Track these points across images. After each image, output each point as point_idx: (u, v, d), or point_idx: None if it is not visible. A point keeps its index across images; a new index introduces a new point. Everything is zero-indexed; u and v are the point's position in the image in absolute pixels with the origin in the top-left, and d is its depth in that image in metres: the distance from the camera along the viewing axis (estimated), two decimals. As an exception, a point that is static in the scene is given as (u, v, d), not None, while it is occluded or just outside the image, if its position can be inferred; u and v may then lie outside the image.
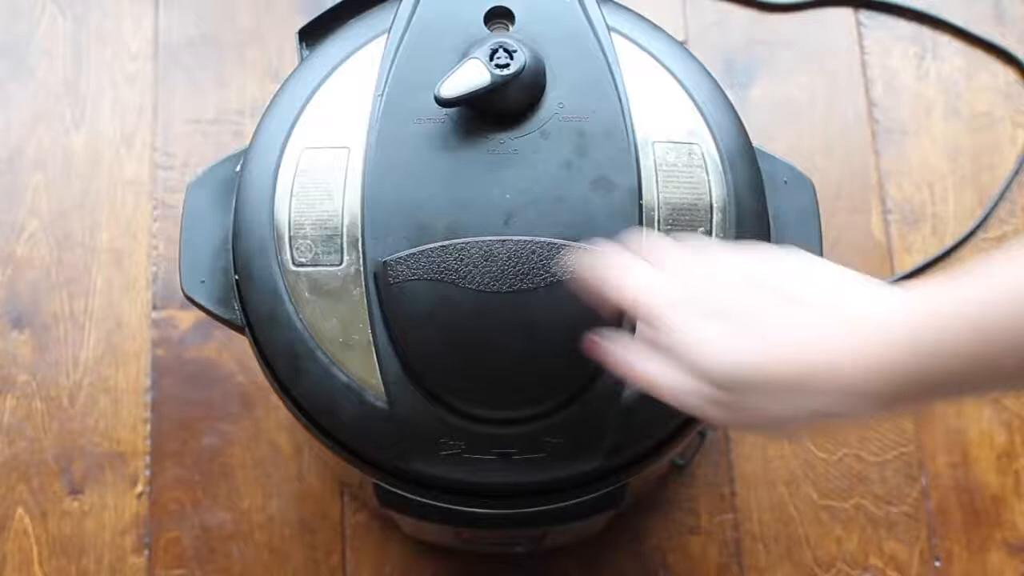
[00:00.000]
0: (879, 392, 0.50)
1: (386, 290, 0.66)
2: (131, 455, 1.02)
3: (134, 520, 1.00)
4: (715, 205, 0.69)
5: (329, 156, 0.69)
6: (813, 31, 1.15)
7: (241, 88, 1.12)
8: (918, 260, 1.08)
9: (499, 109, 0.68)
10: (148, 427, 1.03)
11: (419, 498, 0.70)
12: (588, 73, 0.69)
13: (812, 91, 1.13)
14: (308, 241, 0.68)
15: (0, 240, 1.08)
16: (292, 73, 0.74)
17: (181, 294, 0.73)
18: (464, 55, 0.68)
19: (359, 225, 0.68)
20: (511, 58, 0.66)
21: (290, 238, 0.69)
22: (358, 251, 0.67)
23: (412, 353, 0.66)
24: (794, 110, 1.13)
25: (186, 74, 1.13)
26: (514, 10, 0.71)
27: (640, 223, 0.67)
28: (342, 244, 0.68)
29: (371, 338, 0.67)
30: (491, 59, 0.66)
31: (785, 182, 0.75)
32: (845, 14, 1.16)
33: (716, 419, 0.55)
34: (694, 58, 0.75)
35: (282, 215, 0.69)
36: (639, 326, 0.58)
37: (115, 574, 0.99)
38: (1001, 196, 1.09)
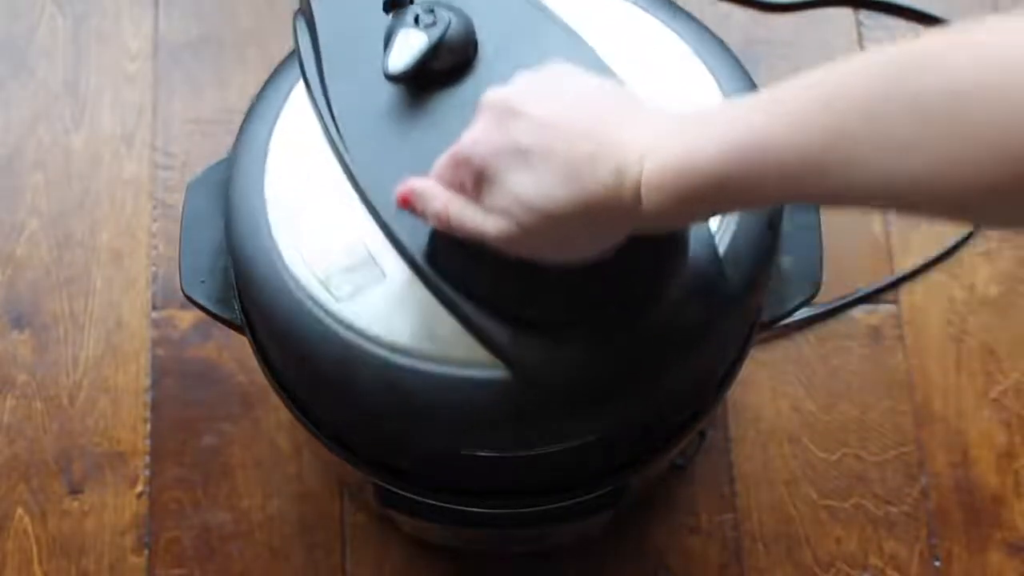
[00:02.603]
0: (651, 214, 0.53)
1: None
2: (131, 455, 1.02)
3: (134, 520, 1.00)
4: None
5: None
6: (813, 31, 1.15)
7: (241, 88, 1.12)
8: (918, 260, 1.08)
9: (448, 66, 0.65)
10: (148, 427, 1.03)
11: (419, 498, 0.70)
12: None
13: (812, 91, 1.13)
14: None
15: (0, 240, 1.08)
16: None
17: (181, 294, 0.73)
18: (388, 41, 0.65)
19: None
20: (434, 15, 0.65)
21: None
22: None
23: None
24: (794, 110, 1.12)
25: (186, 74, 1.13)
26: None
27: None
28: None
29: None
30: (417, 24, 0.65)
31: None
32: (845, 14, 1.16)
33: (514, 251, 0.56)
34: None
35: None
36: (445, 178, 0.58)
37: (115, 574, 0.99)
38: (1001, 196, 1.09)
